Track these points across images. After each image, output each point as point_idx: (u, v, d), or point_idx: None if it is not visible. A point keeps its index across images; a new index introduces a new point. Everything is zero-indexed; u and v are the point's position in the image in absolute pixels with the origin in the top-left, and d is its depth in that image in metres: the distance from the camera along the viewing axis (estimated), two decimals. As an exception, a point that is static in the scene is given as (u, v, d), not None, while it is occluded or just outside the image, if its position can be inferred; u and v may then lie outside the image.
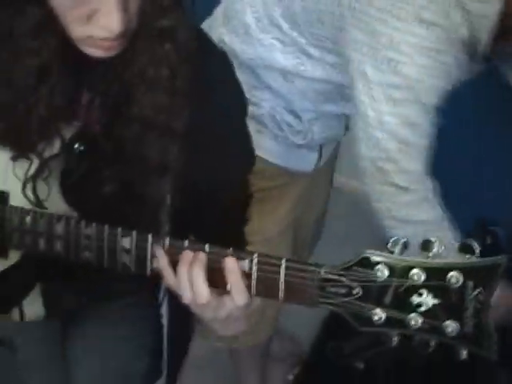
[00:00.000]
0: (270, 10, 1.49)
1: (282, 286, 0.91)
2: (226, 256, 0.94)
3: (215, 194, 1.16)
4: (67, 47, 1.00)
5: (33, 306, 1.15)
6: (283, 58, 1.51)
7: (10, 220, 1.08)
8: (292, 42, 1.49)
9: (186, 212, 1.12)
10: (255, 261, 0.92)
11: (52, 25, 0.97)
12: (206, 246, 0.95)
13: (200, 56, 1.07)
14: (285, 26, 1.47)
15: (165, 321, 1.23)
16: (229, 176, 1.18)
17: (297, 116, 1.58)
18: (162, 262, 0.97)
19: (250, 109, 1.49)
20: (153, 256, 0.99)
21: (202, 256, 0.94)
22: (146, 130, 1.05)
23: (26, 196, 1.07)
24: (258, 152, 1.48)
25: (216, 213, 1.17)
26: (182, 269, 0.95)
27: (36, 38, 0.98)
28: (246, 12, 1.53)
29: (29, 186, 1.07)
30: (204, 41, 1.14)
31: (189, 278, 0.95)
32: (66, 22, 0.96)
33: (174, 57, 1.03)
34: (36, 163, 1.06)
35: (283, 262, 0.90)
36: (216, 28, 1.59)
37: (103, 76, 1.06)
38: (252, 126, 1.47)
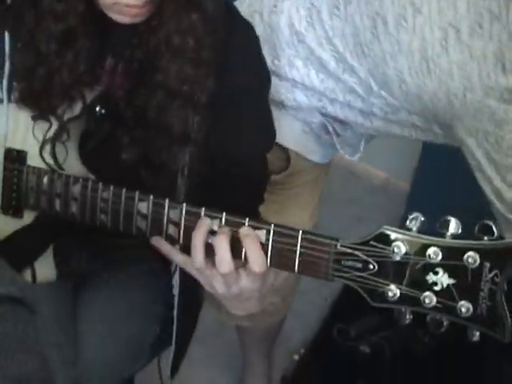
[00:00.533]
0: (352, 61, 1.33)
1: (297, 257, 0.91)
2: (243, 225, 0.93)
3: (232, 169, 1.16)
4: (93, 12, 1.00)
5: (45, 268, 1.15)
6: (366, 106, 1.38)
7: (27, 180, 1.09)
8: (379, 96, 1.34)
9: (201, 185, 1.11)
10: (272, 231, 0.92)
11: None
12: (223, 214, 0.95)
13: (225, 27, 1.06)
14: (372, 81, 1.32)
15: (176, 291, 1.23)
16: (246, 151, 1.17)
17: (349, 127, 1.54)
18: (198, 234, 0.95)
19: (299, 114, 1.47)
20: (169, 222, 0.99)
21: (226, 228, 0.94)
22: (169, 99, 1.05)
23: (43, 157, 1.07)
24: (302, 151, 1.48)
25: (232, 189, 1.17)
26: (198, 235, 0.94)
27: (62, 0, 0.98)
28: (323, 47, 1.36)
29: (47, 148, 1.07)
30: (230, 11, 1.13)
31: (215, 248, 0.94)
32: None
33: (200, 27, 1.02)
34: (56, 125, 1.06)
35: (300, 233, 0.90)
36: (280, 41, 1.41)
37: (128, 42, 1.06)
38: (298, 126, 1.46)
